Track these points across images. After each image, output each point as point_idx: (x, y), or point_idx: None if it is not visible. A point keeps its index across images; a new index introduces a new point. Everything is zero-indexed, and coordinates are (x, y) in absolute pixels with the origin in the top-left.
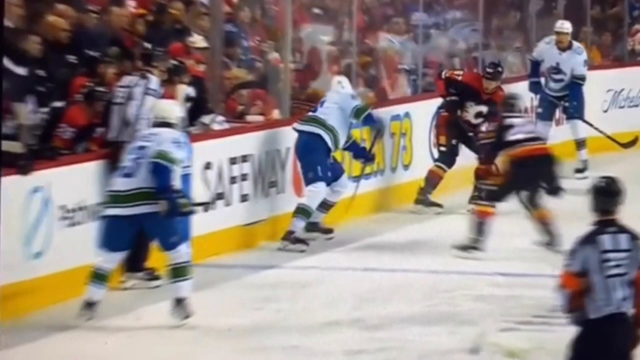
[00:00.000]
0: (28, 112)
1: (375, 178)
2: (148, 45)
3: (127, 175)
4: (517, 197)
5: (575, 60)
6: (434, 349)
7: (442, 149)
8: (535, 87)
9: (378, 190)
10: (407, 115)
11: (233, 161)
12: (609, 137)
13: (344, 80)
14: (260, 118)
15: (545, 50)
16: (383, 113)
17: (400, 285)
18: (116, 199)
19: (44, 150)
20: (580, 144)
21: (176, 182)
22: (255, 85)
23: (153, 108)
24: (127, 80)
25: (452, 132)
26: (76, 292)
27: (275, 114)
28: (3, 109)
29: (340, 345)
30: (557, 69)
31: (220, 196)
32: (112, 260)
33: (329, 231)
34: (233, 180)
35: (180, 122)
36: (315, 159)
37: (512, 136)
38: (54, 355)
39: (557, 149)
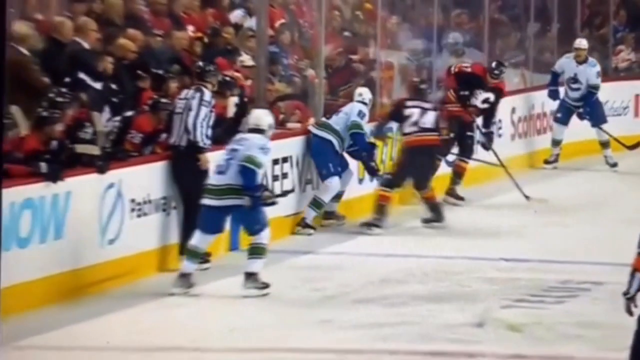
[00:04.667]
0: (104, 121)
1: None
2: (203, 64)
3: (220, 172)
4: (409, 182)
5: (590, 71)
6: (446, 323)
7: None
8: (553, 94)
9: None
10: None
11: (275, 162)
12: (615, 139)
13: (365, 91)
14: (298, 125)
15: (565, 63)
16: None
17: (417, 268)
18: (211, 191)
19: (117, 153)
20: (604, 144)
21: (261, 180)
22: (294, 97)
23: (248, 115)
24: (185, 93)
25: (452, 125)
26: (143, 274)
27: (311, 121)
28: (83, 118)
29: (367, 319)
30: (574, 79)
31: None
32: (205, 241)
33: (342, 218)
34: (275, 178)
35: (269, 129)
36: (327, 159)
37: (408, 127)
38: (135, 323)
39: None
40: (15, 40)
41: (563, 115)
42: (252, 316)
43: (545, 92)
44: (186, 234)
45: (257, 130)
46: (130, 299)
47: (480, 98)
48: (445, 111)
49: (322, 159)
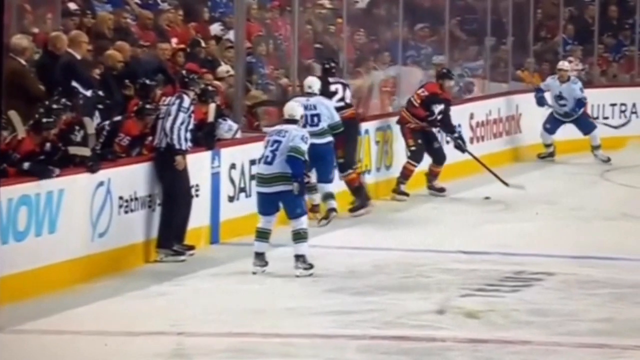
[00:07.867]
0: (94, 125)
1: (365, 176)
2: (187, 73)
3: (267, 162)
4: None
5: (574, 87)
6: (409, 310)
7: (413, 148)
8: (539, 100)
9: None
10: (389, 127)
11: (252, 162)
12: (604, 124)
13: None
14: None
15: (551, 83)
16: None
17: (383, 260)
18: (261, 180)
19: (107, 154)
20: (596, 147)
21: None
22: (270, 104)
23: (284, 108)
24: (167, 100)
25: (416, 136)
26: (130, 264)
27: None
28: (75, 123)
29: (336, 307)
30: (560, 97)
31: (242, 190)
32: (269, 222)
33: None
34: (252, 177)
35: (301, 119)
36: (332, 161)
37: (336, 103)
38: (126, 310)
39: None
40: (14, 52)
41: (552, 127)
42: (229, 304)
43: (501, 99)
44: (163, 227)
45: (292, 121)
46: (118, 287)
47: (437, 111)
48: (406, 128)
49: (330, 163)
